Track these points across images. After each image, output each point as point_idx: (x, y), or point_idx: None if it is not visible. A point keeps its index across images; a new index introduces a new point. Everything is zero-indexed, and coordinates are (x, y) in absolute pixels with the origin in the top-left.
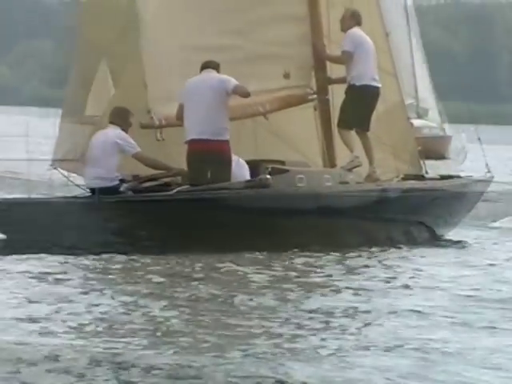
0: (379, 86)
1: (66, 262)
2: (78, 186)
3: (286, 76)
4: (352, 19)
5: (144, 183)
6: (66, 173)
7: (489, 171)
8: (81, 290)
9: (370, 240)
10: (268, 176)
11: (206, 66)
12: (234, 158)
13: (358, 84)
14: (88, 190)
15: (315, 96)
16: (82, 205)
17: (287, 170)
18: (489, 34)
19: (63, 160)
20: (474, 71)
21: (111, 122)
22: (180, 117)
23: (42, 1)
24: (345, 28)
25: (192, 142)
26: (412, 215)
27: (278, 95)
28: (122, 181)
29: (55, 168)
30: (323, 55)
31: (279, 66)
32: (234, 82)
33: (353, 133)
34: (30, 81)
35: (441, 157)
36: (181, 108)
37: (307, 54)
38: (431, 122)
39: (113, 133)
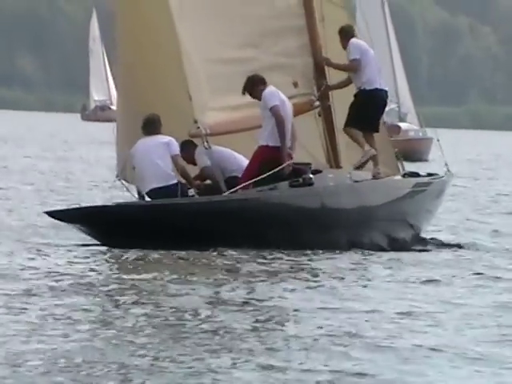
0: (386, 89)
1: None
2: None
3: (295, 85)
4: (343, 36)
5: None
6: (126, 184)
7: (449, 170)
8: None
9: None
10: (311, 175)
11: None
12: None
13: (368, 88)
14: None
15: (318, 103)
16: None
17: (321, 171)
18: (410, 36)
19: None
20: None
21: (150, 133)
22: None
23: None
24: (344, 45)
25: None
26: (424, 208)
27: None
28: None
29: (120, 180)
30: (331, 64)
31: (289, 75)
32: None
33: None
34: None
35: (424, 158)
36: None
37: (309, 63)
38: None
39: (158, 138)
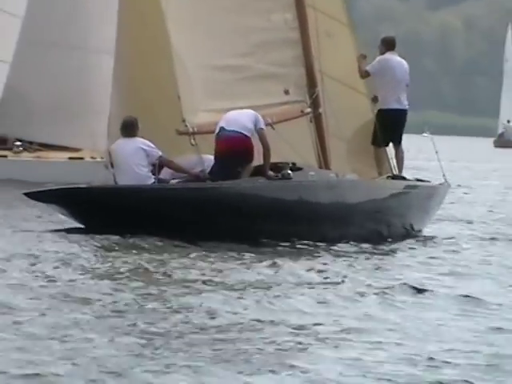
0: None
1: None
2: None
3: (286, 92)
4: (381, 46)
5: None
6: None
7: (446, 181)
8: None
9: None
10: (290, 172)
11: None
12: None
13: (382, 108)
14: None
15: (309, 110)
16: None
17: (302, 168)
18: None
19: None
20: None
21: (128, 135)
22: None
23: None
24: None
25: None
26: (411, 209)
27: (282, 109)
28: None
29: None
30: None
31: (281, 83)
32: (262, 123)
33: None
34: None
35: None
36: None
37: (302, 73)
38: None
39: (135, 141)
